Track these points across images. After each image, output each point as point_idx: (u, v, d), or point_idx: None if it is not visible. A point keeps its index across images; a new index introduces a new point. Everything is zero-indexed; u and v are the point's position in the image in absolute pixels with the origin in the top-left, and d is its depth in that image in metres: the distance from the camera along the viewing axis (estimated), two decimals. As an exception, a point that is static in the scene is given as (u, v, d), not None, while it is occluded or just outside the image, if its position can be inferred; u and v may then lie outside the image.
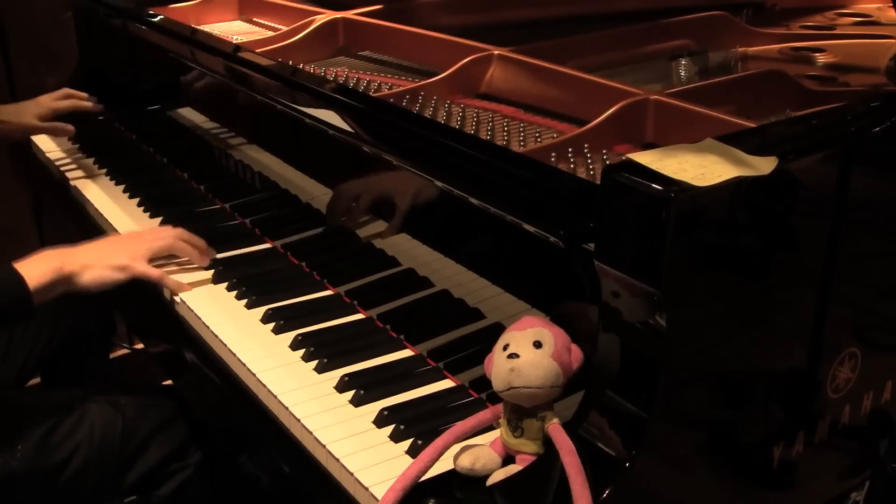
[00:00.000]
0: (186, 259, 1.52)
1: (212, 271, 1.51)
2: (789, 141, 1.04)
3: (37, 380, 1.99)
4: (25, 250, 1.40)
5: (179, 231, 1.54)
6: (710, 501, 1.04)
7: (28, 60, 2.58)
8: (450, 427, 1.01)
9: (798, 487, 1.14)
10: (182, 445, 1.53)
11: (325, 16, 1.85)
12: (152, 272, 1.46)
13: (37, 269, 1.35)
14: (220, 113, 1.84)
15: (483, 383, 1.08)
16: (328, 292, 1.44)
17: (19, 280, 1.32)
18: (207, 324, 1.37)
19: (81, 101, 2.10)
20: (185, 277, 1.49)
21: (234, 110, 1.77)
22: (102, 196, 1.88)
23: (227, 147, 1.82)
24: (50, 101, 2.06)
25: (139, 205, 1.81)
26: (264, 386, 1.22)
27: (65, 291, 1.39)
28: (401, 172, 1.30)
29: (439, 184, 1.20)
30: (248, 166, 1.75)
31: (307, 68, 1.68)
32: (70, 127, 2.04)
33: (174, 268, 1.52)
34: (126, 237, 1.58)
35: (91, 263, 1.41)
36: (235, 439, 1.44)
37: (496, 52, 1.55)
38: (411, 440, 1.09)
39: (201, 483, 1.55)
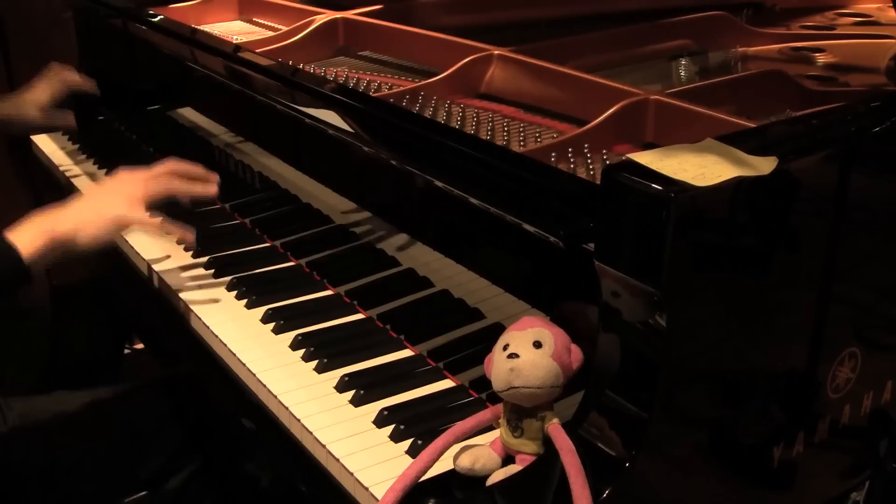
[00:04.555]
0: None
1: (212, 270, 1.51)
2: (789, 141, 1.04)
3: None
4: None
5: (172, 165, 1.45)
6: (711, 501, 1.04)
7: (28, 60, 2.58)
8: (450, 427, 1.01)
9: (798, 487, 1.14)
10: (185, 441, 1.53)
11: (325, 16, 1.85)
12: (150, 221, 1.39)
13: (27, 235, 1.30)
14: (220, 113, 1.84)
15: (483, 383, 1.08)
16: (328, 292, 1.44)
17: (11, 249, 1.27)
18: (207, 324, 1.37)
19: (75, 80, 2.05)
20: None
21: (234, 110, 1.77)
22: (102, 196, 1.88)
23: (227, 147, 1.82)
24: (45, 84, 2.01)
25: (139, 205, 1.81)
26: (264, 386, 1.22)
27: (63, 256, 1.33)
28: (400, 172, 1.30)
29: (439, 184, 1.20)
30: (248, 166, 1.75)
31: (307, 68, 1.68)
32: (71, 117, 1.99)
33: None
34: (119, 183, 1.44)
35: (84, 223, 1.34)
36: (235, 439, 1.44)
37: (496, 52, 1.55)
38: (411, 440, 1.09)
39: (206, 477, 1.55)
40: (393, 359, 1.27)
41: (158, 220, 1.40)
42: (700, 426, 0.98)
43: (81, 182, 1.95)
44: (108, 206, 1.37)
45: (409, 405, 1.16)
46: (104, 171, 1.99)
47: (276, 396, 1.20)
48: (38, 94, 2.02)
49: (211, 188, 1.45)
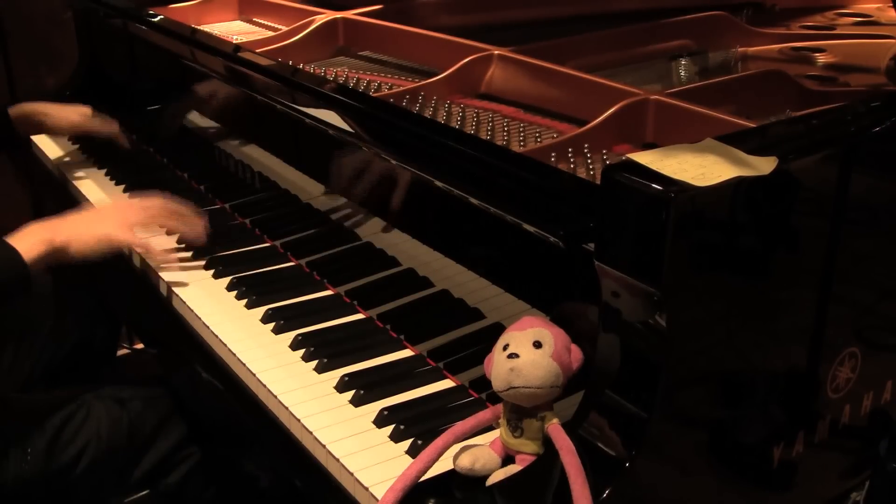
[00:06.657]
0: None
1: (211, 270, 1.51)
2: (789, 141, 1.04)
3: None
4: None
5: (166, 203, 1.56)
6: (710, 501, 1.04)
7: (28, 60, 2.59)
8: (450, 427, 1.01)
9: (798, 487, 1.14)
10: (184, 441, 1.53)
11: (325, 16, 1.85)
12: (136, 242, 1.50)
13: (27, 241, 1.39)
14: (220, 113, 1.84)
15: (483, 383, 1.08)
16: (328, 292, 1.44)
17: (14, 253, 1.36)
18: (207, 323, 1.37)
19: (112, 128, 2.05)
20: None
21: (234, 110, 1.77)
22: (102, 196, 1.88)
23: (227, 147, 1.82)
24: (94, 117, 2.03)
25: (139, 205, 1.81)
26: (264, 386, 1.22)
27: (53, 262, 1.43)
28: (401, 172, 1.30)
29: (439, 184, 1.20)
30: (248, 166, 1.75)
31: (307, 68, 1.69)
32: (115, 124, 2.00)
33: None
34: (113, 207, 1.59)
35: (77, 236, 1.44)
36: (235, 439, 1.44)
37: (496, 52, 1.55)
38: (411, 440, 1.09)
39: (205, 476, 1.55)
40: (393, 359, 1.27)
41: (143, 241, 1.51)
42: (700, 426, 0.98)
43: (81, 182, 1.95)
44: (101, 225, 1.49)
45: (409, 405, 1.16)
46: (104, 170, 1.99)
47: (275, 396, 1.20)
48: (84, 109, 2.02)
49: (197, 229, 1.56)
